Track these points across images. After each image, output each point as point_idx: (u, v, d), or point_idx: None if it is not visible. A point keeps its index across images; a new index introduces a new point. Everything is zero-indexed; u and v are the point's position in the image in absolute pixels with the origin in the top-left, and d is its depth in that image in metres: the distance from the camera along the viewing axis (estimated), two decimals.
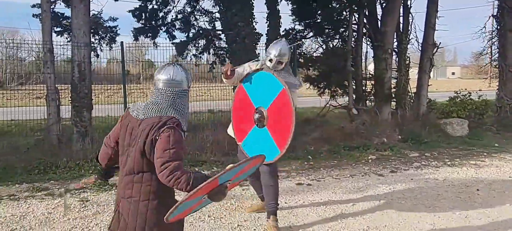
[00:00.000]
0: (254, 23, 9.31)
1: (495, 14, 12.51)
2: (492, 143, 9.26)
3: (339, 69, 10.30)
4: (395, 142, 8.95)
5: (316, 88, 11.14)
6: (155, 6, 10.93)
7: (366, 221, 4.47)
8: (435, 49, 11.26)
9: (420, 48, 11.18)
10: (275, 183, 4.20)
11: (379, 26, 10.57)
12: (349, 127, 9.59)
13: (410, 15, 10.92)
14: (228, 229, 4.27)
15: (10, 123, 8.52)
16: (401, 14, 10.81)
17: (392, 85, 10.76)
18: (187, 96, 2.59)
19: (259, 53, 9.20)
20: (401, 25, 10.87)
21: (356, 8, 10.53)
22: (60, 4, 9.63)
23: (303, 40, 11.31)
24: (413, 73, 11.58)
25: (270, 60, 4.09)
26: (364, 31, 10.82)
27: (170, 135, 2.31)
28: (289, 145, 3.87)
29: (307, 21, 11.08)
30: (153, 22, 10.83)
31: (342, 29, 10.91)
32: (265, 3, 9.69)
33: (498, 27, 12.26)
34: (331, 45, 11.19)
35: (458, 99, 11.28)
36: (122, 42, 7.57)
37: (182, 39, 10.84)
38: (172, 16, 11.15)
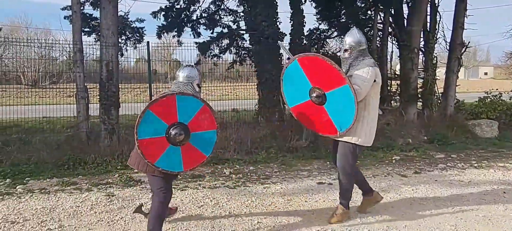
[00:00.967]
0: (278, 23, 9.35)
1: None
2: None
3: None
4: (420, 143, 8.81)
5: None
6: (183, 5, 11.14)
7: (386, 221, 4.45)
8: (464, 49, 10.99)
9: (447, 48, 10.94)
10: (349, 178, 4.39)
11: (405, 25, 10.42)
12: None
13: (437, 14, 10.71)
14: (248, 226, 4.33)
15: (42, 120, 8.86)
16: (428, 13, 10.62)
17: (419, 85, 10.58)
18: (197, 87, 3.88)
19: (282, 53, 9.24)
20: (428, 24, 10.68)
21: (381, 7, 10.42)
22: (89, 6, 9.94)
23: (327, 39, 11.29)
24: (441, 73, 11.36)
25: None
26: (389, 31, 10.69)
27: None
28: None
29: (331, 21, 11.04)
30: (178, 20, 11.01)
31: (367, 29, 10.80)
32: (289, 3, 9.71)
33: None
34: None
35: (488, 100, 11.01)
36: (148, 42, 7.78)
37: (206, 39, 10.99)
38: (197, 15, 11.35)
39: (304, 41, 10.01)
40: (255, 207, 4.90)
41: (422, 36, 10.46)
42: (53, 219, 4.48)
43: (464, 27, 10.69)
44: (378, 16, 10.66)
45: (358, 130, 4.16)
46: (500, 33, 62.18)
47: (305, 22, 9.84)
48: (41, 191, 5.49)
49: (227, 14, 11.33)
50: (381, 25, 10.72)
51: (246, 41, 11.05)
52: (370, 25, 10.74)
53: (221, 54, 11.54)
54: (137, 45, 10.93)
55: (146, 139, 3.45)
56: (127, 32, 10.66)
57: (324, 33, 11.31)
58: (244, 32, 10.90)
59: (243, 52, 11.45)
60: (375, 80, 4.14)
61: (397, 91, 10.77)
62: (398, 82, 10.77)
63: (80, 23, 8.10)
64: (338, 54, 11.51)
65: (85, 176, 6.31)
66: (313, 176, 6.45)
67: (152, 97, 7.96)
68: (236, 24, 11.33)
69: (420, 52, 10.61)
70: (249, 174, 6.56)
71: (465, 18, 10.67)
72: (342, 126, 4.14)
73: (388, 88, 10.80)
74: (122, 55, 10.52)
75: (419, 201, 5.15)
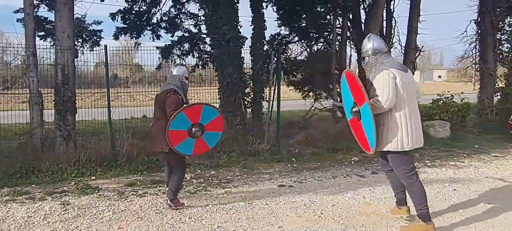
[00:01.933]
0: (239, 27, 9.37)
1: (475, 19, 12.76)
2: (473, 145, 9.45)
3: (324, 73, 10.43)
4: None
5: (300, 91, 11.27)
6: (143, 8, 10.97)
7: (344, 221, 4.56)
8: (418, 53, 11.47)
9: (403, 52, 11.37)
10: (412, 185, 4.10)
11: (363, 30, 10.74)
12: (333, 129, 9.70)
13: (393, 19, 11.13)
14: (208, 230, 4.31)
15: None
16: (384, 18, 11.01)
17: None
18: (186, 81, 5.05)
19: (243, 57, 9.28)
20: (384, 29, 11.06)
21: (340, 12, 10.70)
22: (44, 8, 9.60)
23: (289, 44, 11.45)
24: None
25: None
26: (348, 35, 10.99)
27: (170, 95, 4.76)
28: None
29: (292, 26, 11.21)
30: (138, 23, 10.84)
31: (327, 33, 11.07)
32: (250, 7, 9.77)
33: (479, 31, 12.52)
34: (315, 49, 11.34)
35: (441, 102, 11.47)
36: (106, 46, 7.57)
37: (167, 43, 10.88)
38: (158, 18, 11.22)
39: (266, 46, 10.09)
40: (215, 212, 4.88)
41: None
42: (3, 230, 4.28)
43: (418, 32, 11.15)
44: (337, 21, 10.93)
45: (391, 137, 4.00)
46: (452, 38, 65.24)
47: (267, 27, 9.93)
48: None
49: (188, 17, 11.26)
50: (340, 30, 10.99)
51: (208, 44, 11.03)
52: (329, 29, 11.00)
53: (183, 57, 11.45)
54: (95, 48, 10.66)
55: (174, 130, 4.69)
56: (84, 35, 10.36)
57: (286, 38, 11.46)
58: (205, 36, 10.86)
59: (205, 56, 11.41)
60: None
61: None
62: None
63: (33, 26, 7.81)
64: (298, 58, 11.76)
65: (39, 184, 6.08)
66: (274, 179, 6.51)
67: (111, 102, 7.78)
68: (197, 28, 11.29)
69: None
70: (210, 178, 6.54)
71: (419, 23, 11.14)
72: (372, 143, 4.06)
73: None
74: (77, 57, 10.19)
75: (376, 201, 5.31)
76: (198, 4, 10.85)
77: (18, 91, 10.48)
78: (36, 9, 8.74)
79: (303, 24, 11.30)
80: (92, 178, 6.47)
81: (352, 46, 11.31)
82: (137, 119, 9.39)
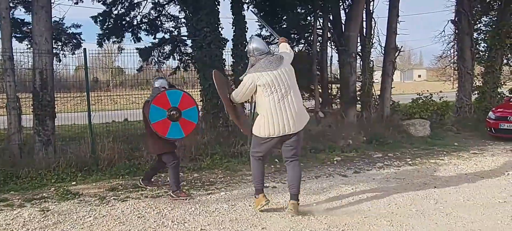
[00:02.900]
0: (220, 29, 9.36)
1: (453, 19, 13.01)
2: (452, 142, 9.65)
3: (305, 74, 10.49)
4: (360, 144, 9.18)
5: None
6: (121, 11, 10.85)
7: (327, 220, 4.58)
8: (397, 53, 11.64)
9: (383, 52, 11.52)
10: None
11: (343, 30, 10.85)
12: (315, 130, 9.76)
13: (372, 20, 11.25)
14: None
15: None
16: (364, 19, 11.13)
17: (357, 89, 11.04)
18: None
19: (225, 59, 9.27)
20: (364, 29, 11.19)
21: (320, 13, 10.78)
22: (20, 10, 9.40)
23: (269, 45, 11.46)
24: (378, 76, 11.92)
25: None
26: (328, 36, 11.08)
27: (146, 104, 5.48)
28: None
29: (273, 27, 11.21)
30: (118, 26, 10.71)
31: (307, 34, 11.13)
32: (230, 9, 9.76)
33: (456, 31, 12.79)
34: (296, 50, 11.39)
35: (421, 101, 11.68)
36: (85, 49, 7.48)
37: (147, 45, 10.79)
38: (138, 20, 11.10)
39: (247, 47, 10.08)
40: (199, 215, 4.85)
41: (359, 41, 10.94)
42: None
43: (397, 32, 11.31)
44: (318, 22, 11.01)
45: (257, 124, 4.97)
46: (430, 38, 66.43)
47: (248, 28, 9.94)
48: None
49: (169, 20, 11.19)
50: (321, 31, 11.07)
51: (188, 46, 10.98)
52: (310, 30, 11.06)
53: (164, 60, 11.37)
54: (75, 52, 10.49)
55: (156, 122, 5.25)
56: (63, 39, 10.18)
57: (266, 40, 11.46)
58: (186, 38, 10.81)
59: (186, 58, 11.34)
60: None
61: (338, 95, 11.16)
62: (338, 86, 11.16)
63: (10, 29, 7.62)
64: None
65: (18, 191, 5.94)
66: None
67: (91, 106, 7.68)
68: (177, 30, 11.21)
69: (358, 57, 11.08)
70: (193, 181, 6.50)
71: (398, 24, 11.30)
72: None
73: (329, 92, 11.17)
74: (60, 60, 10.04)
75: (359, 200, 5.36)
76: (178, 6, 10.78)
77: None
78: (12, 11, 8.54)
79: (284, 26, 11.34)
80: (73, 183, 6.36)
81: (333, 47, 11.40)
82: (119, 122, 9.26)
